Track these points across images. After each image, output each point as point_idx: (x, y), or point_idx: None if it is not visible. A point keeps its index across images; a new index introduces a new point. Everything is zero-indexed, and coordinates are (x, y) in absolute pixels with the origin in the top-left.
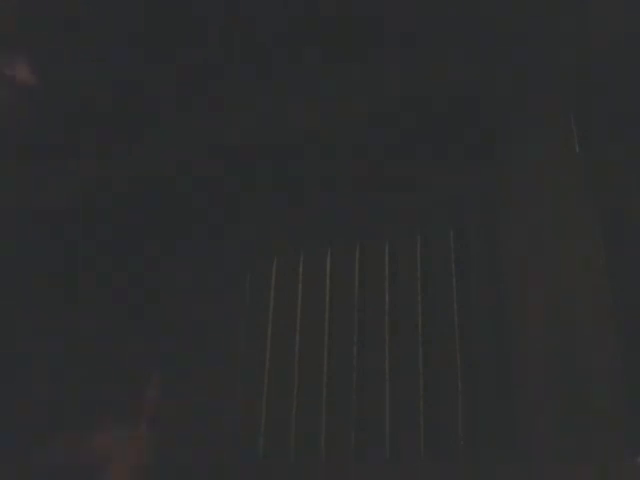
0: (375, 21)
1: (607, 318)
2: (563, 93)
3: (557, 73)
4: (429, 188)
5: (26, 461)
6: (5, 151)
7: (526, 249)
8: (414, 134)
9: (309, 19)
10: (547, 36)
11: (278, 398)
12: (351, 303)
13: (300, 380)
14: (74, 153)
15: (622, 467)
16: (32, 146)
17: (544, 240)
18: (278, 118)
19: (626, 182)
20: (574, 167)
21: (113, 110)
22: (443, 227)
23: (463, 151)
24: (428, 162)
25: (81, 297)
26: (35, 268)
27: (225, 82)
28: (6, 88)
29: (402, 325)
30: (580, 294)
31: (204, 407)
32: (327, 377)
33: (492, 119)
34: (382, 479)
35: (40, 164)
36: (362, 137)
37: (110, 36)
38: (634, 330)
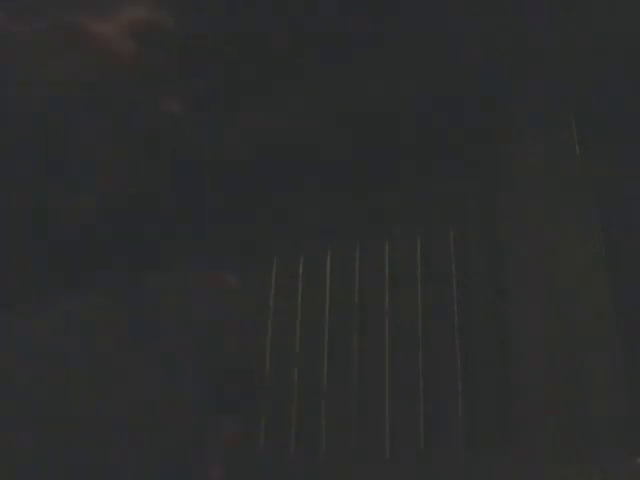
0: (377, 19)
1: (607, 318)
2: (563, 93)
3: (557, 73)
4: (429, 188)
5: None
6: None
7: (526, 249)
8: (414, 134)
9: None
10: (547, 36)
11: (278, 398)
12: (351, 303)
13: (300, 380)
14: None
15: (622, 467)
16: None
17: (544, 240)
18: (277, 117)
19: (626, 182)
20: (574, 167)
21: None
22: (443, 227)
23: (463, 151)
24: (428, 162)
25: None
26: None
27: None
28: None
29: (402, 325)
30: (580, 294)
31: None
32: (327, 377)
33: (492, 119)
34: (382, 479)
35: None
36: (362, 137)
37: None
38: (634, 330)
